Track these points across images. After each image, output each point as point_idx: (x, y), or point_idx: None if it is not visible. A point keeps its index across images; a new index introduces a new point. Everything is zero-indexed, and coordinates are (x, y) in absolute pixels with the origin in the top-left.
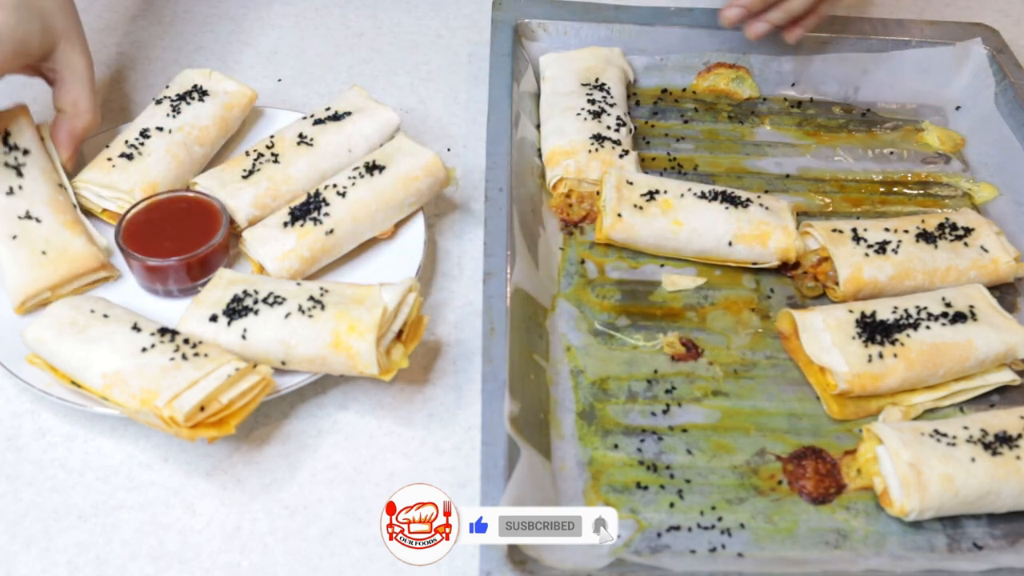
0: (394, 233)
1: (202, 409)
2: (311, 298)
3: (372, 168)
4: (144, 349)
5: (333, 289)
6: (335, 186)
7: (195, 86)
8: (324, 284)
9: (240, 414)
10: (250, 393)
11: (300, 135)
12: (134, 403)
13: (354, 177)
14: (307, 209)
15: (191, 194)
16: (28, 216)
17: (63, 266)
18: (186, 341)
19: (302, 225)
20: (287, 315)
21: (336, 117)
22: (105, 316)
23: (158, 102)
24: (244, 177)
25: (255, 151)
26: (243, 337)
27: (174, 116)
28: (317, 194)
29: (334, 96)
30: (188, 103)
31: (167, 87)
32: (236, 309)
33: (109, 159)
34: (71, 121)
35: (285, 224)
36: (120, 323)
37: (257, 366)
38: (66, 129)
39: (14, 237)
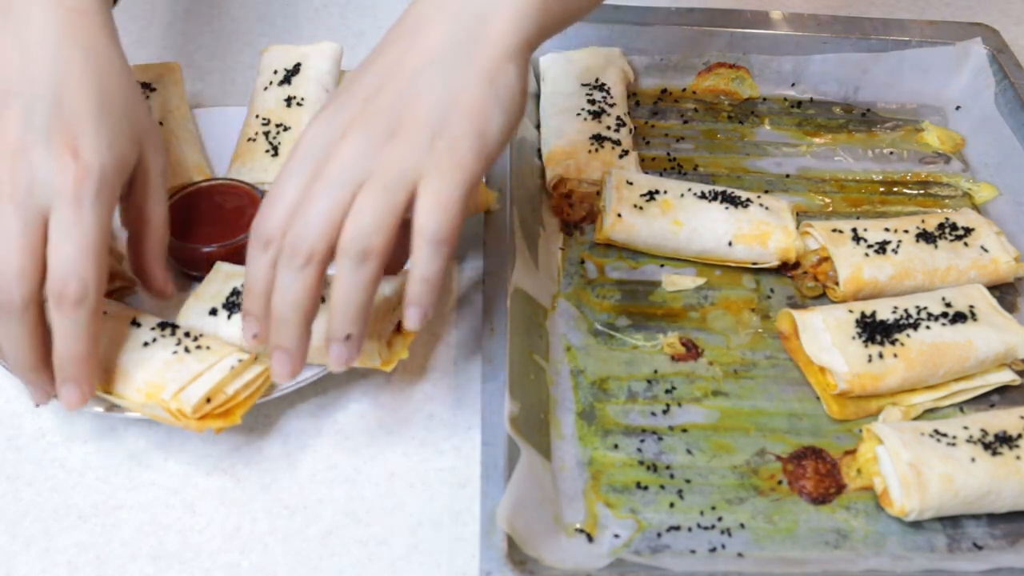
0: None
1: (208, 400)
2: None
3: None
4: (146, 343)
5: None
6: None
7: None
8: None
9: (246, 404)
10: (254, 384)
11: (286, 100)
12: (139, 397)
13: None
14: None
15: (233, 182)
16: None
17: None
18: (187, 334)
19: None
20: None
21: (294, 71)
22: (104, 312)
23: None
24: (274, 156)
25: (256, 133)
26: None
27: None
28: None
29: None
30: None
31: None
32: (236, 303)
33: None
34: (143, 242)
35: None
36: (119, 319)
37: (259, 357)
38: (142, 252)
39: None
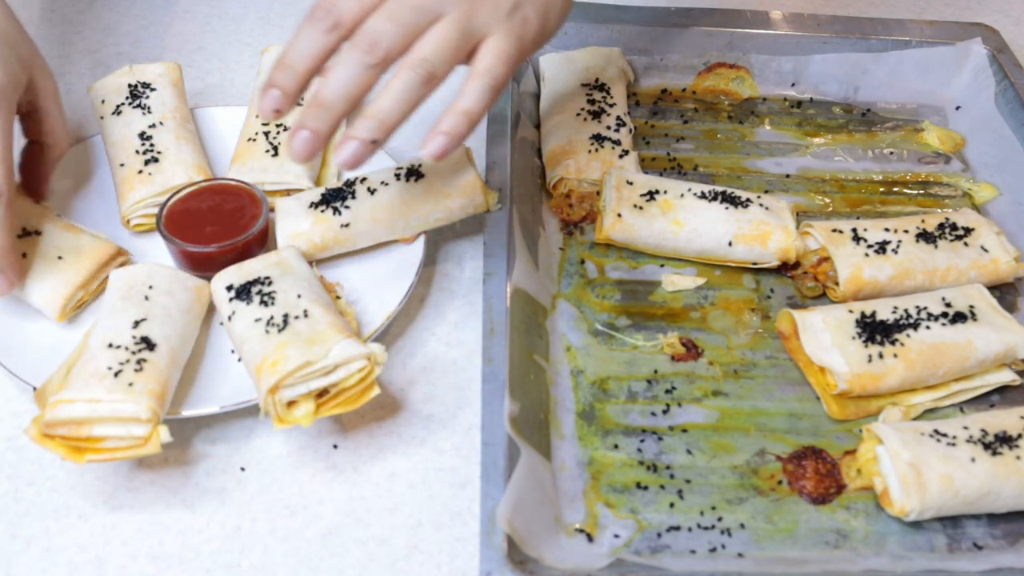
0: (415, 239)
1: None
2: (286, 315)
3: (411, 173)
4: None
5: (313, 315)
6: (369, 181)
7: None
8: (315, 306)
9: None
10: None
11: None
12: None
13: (389, 178)
14: (337, 195)
15: (233, 182)
16: (27, 232)
17: (84, 261)
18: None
19: (323, 211)
20: (256, 320)
21: None
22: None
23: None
24: (274, 156)
25: (256, 133)
26: (229, 319)
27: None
28: (351, 183)
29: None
30: None
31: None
32: (242, 292)
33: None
34: (50, 152)
35: (311, 205)
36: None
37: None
38: (47, 161)
39: (23, 255)
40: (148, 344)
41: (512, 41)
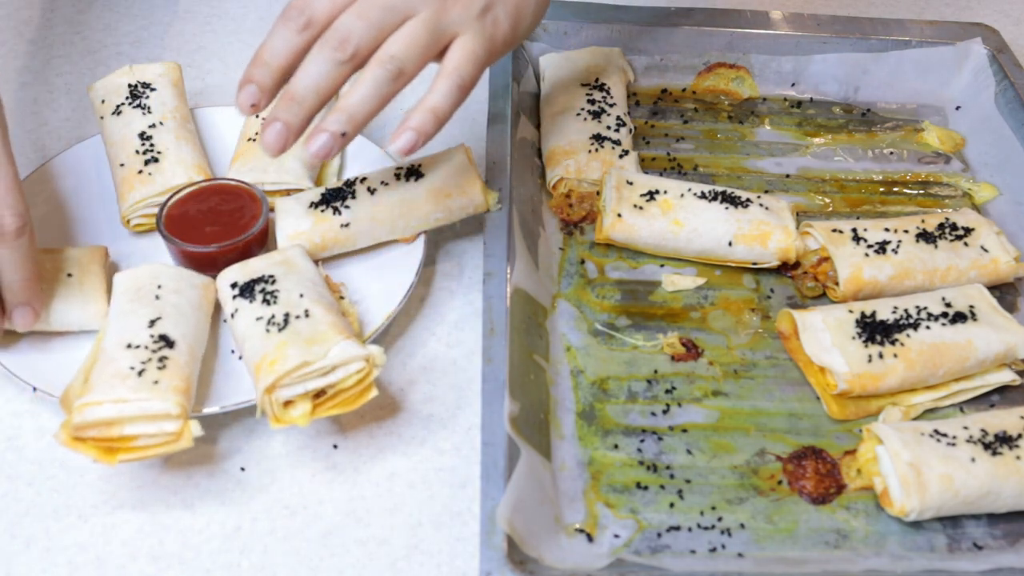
0: (415, 239)
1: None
2: (287, 314)
3: (411, 173)
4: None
5: (314, 315)
6: (369, 181)
7: None
8: (317, 306)
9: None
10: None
11: None
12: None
13: (389, 178)
14: (337, 195)
15: (233, 182)
16: None
17: (93, 267)
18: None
19: (323, 211)
20: (258, 318)
21: None
22: None
23: None
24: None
25: (256, 133)
26: (232, 316)
27: None
28: (351, 183)
29: None
30: None
31: None
32: (245, 290)
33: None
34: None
35: (311, 204)
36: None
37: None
38: None
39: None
40: (167, 342)
41: (482, 42)
